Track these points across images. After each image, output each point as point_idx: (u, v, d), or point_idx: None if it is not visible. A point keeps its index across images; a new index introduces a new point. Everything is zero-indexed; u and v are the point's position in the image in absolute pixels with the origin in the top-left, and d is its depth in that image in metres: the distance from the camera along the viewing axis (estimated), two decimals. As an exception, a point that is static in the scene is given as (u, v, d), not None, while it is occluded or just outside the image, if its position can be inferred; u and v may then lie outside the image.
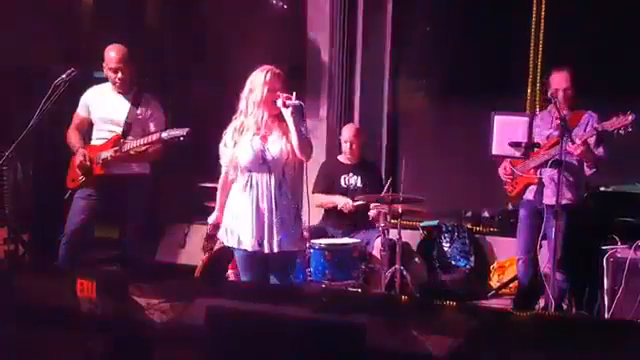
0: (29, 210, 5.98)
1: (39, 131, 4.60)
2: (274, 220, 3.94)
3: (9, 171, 5.53)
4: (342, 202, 5.44)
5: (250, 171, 3.99)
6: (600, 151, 4.62)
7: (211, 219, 4.21)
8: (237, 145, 4.01)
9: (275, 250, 3.96)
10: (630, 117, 4.36)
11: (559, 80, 4.72)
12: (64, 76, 4.59)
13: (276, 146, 3.97)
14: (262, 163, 3.97)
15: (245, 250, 4.02)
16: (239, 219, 4.01)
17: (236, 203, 4.05)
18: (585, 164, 4.62)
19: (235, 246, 4.05)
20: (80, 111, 4.99)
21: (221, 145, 4.09)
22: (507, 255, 5.87)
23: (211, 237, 4.25)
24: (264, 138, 3.99)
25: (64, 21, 6.35)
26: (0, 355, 3.30)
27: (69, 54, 6.03)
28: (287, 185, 4.01)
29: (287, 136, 3.97)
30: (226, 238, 4.08)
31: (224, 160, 4.09)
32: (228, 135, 4.07)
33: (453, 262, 5.95)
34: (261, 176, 3.98)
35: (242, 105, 4.02)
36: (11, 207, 5.69)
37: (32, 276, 3.85)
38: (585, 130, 4.64)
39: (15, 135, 4.56)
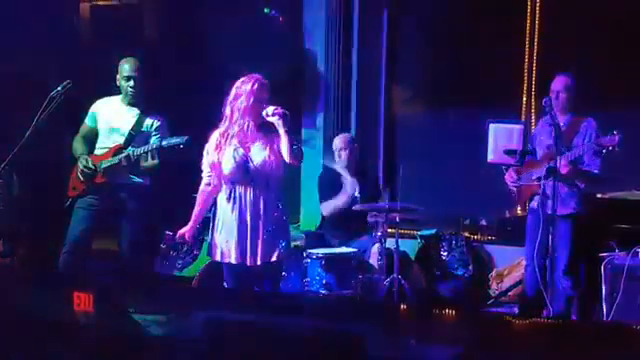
0: (25, 223, 5.95)
1: (35, 143, 4.58)
2: (258, 232, 3.90)
3: (4, 184, 5.50)
4: (344, 199, 5.39)
5: (233, 183, 3.95)
6: (597, 163, 4.62)
7: (182, 230, 4.11)
8: (221, 154, 3.95)
9: (259, 262, 3.93)
10: (616, 137, 4.38)
11: (554, 83, 4.78)
12: (60, 88, 4.58)
13: (259, 157, 3.92)
14: (245, 174, 3.92)
15: (230, 263, 3.99)
16: (223, 232, 3.97)
17: (220, 216, 4.00)
18: (576, 180, 4.63)
19: (220, 260, 4.01)
20: (87, 121, 5.00)
21: (204, 152, 4.03)
22: (505, 263, 5.86)
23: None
24: (247, 148, 3.92)
25: (64, 36, 6.36)
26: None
27: (66, 68, 6.03)
28: (271, 196, 3.96)
29: (271, 147, 3.91)
30: (212, 252, 4.02)
31: (204, 168, 4.03)
32: (211, 142, 3.99)
33: (451, 270, 5.95)
34: (244, 188, 3.93)
35: (227, 111, 3.96)
36: (6, 220, 5.67)
37: (28, 288, 3.83)
38: (584, 140, 4.67)
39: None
